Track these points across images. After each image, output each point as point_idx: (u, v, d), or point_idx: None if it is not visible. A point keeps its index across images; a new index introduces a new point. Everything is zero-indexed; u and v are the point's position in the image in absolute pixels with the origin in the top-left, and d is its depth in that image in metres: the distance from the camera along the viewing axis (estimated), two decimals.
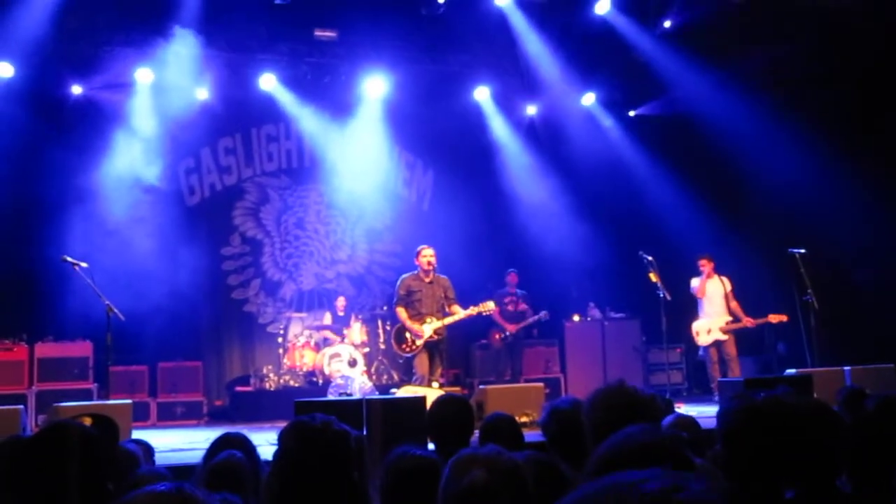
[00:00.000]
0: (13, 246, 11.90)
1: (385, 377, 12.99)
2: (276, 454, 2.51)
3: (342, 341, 12.71)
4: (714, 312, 11.30)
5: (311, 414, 2.56)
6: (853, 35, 11.29)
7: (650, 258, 10.84)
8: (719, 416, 2.57)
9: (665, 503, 0.84)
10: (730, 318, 11.24)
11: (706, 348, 11.33)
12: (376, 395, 9.79)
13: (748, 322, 11.14)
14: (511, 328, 12.88)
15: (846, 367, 9.23)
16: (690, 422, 4.36)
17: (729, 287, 11.37)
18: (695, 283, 11.49)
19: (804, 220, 11.62)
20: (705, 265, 11.39)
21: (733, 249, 11.81)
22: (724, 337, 11.23)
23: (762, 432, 2.33)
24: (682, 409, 8.67)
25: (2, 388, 11.17)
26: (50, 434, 2.72)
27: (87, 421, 3.37)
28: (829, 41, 11.61)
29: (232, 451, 3.74)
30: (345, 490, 2.43)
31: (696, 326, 11.43)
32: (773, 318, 10.91)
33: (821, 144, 11.46)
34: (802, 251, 10.49)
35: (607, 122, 14.78)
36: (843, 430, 2.26)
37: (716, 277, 11.37)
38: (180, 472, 5.05)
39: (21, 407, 7.69)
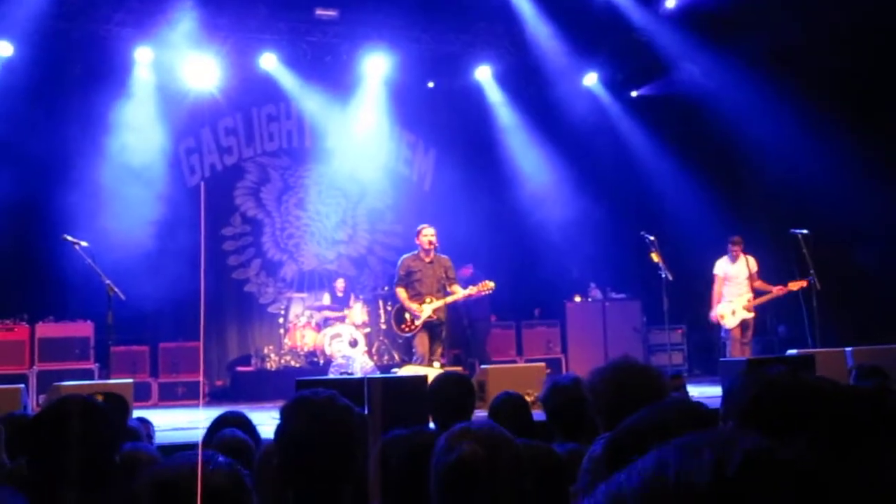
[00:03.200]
0: (14, 225, 11.87)
1: (386, 357, 13.00)
2: (278, 428, 2.50)
3: (343, 321, 12.71)
4: (736, 294, 11.17)
5: (314, 389, 2.55)
6: (855, 15, 11.21)
7: (652, 238, 10.79)
8: (729, 393, 2.54)
9: (766, 459, 0.80)
10: (752, 296, 11.13)
11: (729, 329, 11.18)
12: (377, 375, 9.79)
13: (777, 291, 10.93)
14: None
15: (848, 348, 9.22)
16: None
17: (755, 267, 11.21)
18: (723, 265, 11.28)
19: (807, 200, 11.58)
20: (737, 247, 11.19)
21: (736, 230, 11.75)
22: (749, 315, 11.11)
23: (775, 408, 2.30)
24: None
25: (3, 367, 11.16)
26: (55, 407, 2.72)
27: (99, 398, 3.37)
28: (830, 20, 11.53)
29: (233, 429, 3.74)
30: (347, 465, 2.41)
31: (720, 310, 11.19)
32: (794, 286, 10.76)
33: (824, 125, 11.40)
34: (805, 232, 10.44)
35: (609, 102, 14.72)
36: (860, 407, 2.24)
37: (742, 258, 11.23)
38: (181, 450, 5.03)
39: (22, 386, 7.69)
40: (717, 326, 11.40)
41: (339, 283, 13.40)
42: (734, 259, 11.19)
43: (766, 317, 12.93)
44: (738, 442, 0.81)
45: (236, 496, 1.86)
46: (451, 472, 2.00)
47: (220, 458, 1.90)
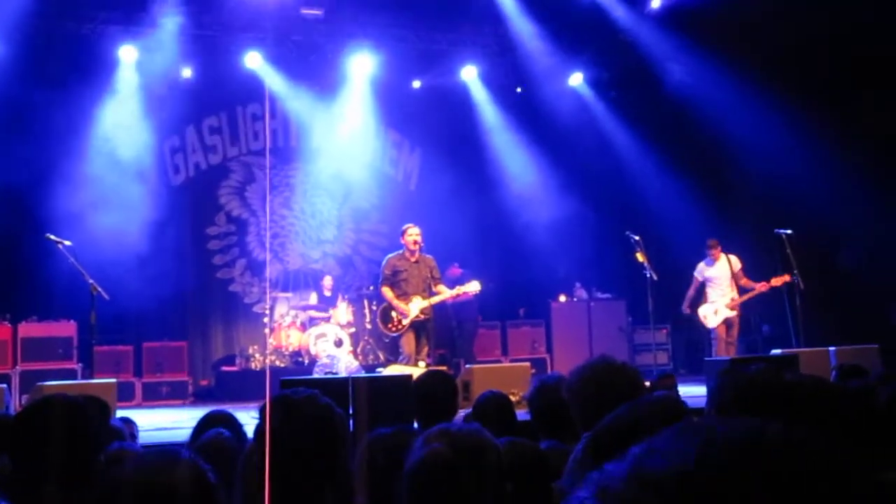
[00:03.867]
0: None
1: (371, 357, 12.99)
2: (256, 428, 2.49)
3: (328, 321, 12.69)
4: (719, 294, 11.21)
5: (294, 388, 2.54)
6: (839, 16, 11.27)
7: (637, 238, 10.82)
8: (711, 391, 2.55)
9: (754, 442, 0.78)
10: (735, 295, 11.17)
11: (715, 329, 11.23)
12: (363, 374, 9.77)
13: (760, 287, 10.97)
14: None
15: (831, 348, 9.27)
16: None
17: (738, 266, 11.25)
18: (701, 268, 11.34)
19: (791, 201, 11.63)
20: (714, 249, 11.23)
21: (720, 230, 11.80)
22: (732, 313, 11.15)
23: (756, 404, 2.31)
24: None
25: None
26: (36, 407, 2.71)
27: None
28: (814, 22, 11.59)
29: (219, 429, 3.73)
30: (329, 463, 2.40)
31: (702, 311, 11.25)
32: (776, 281, 10.80)
33: (808, 126, 11.46)
34: (789, 232, 10.49)
35: (594, 102, 14.74)
36: (843, 403, 2.24)
37: (723, 258, 11.27)
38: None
39: (4, 386, 7.64)
40: (702, 326, 11.46)
41: (327, 282, 13.37)
42: (713, 261, 11.26)
43: (750, 316, 12.99)
44: (718, 428, 0.80)
45: (199, 493, 1.86)
46: (417, 472, 2.01)
47: (185, 455, 1.90)
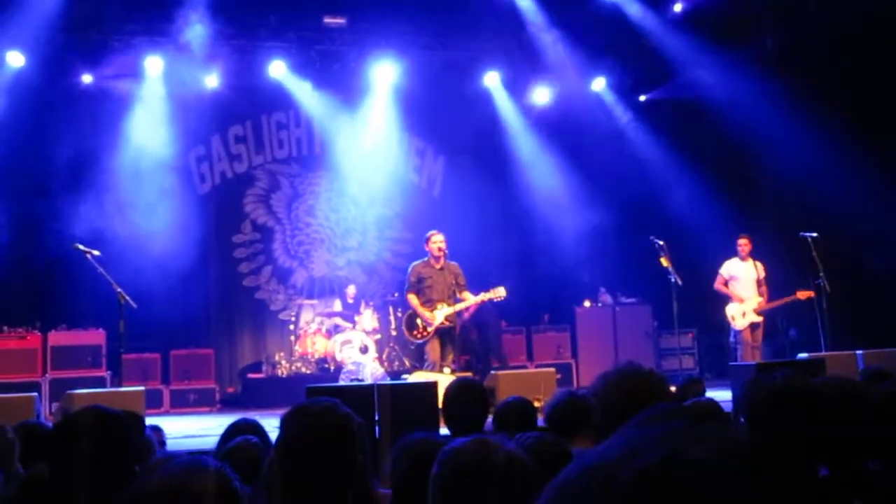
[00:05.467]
0: (25, 235, 11.95)
1: (396, 363, 13.02)
2: (277, 439, 2.52)
3: (353, 328, 12.73)
4: (746, 295, 11.13)
5: (314, 398, 2.57)
6: (867, 17, 11.21)
7: (661, 242, 10.79)
8: (739, 398, 2.56)
9: (657, 484, 0.79)
10: (762, 299, 11.11)
11: (739, 332, 11.15)
12: (388, 381, 9.81)
13: (785, 300, 10.90)
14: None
15: (859, 351, 9.20)
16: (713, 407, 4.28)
17: (763, 273, 11.18)
18: (728, 266, 11.25)
19: (816, 203, 11.56)
20: (745, 245, 11.18)
21: (744, 233, 11.74)
22: (758, 318, 11.09)
23: (787, 410, 2.32)
24: None
25: (16, 375, 11.25)
26: (75, 418, 2.76)
27: None
28: (839, 23, 11.53)
29: (247, 436, 3.77)
30: (348, 472, 2.43)
31: (730, 310, 11.18)
32: (802, 295, 10.73)
33: (832, 127, 11.39)
34: (815, 235, 10.43)
35: (618, 107, 14.72)
36: (870, 409, 2.25)
37: (750, 260, 11.22)
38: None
39: (35, 394, 7.72)
40: (728, 330, 11.39)
41: (351, 290, 13.43)
42: (743, 258, 11.18)
43: (777, 320, 12.91)
44: (666, 439, 0.80)
45: (225, 501, 1.89)
46: (445, 481, 2.04)
47: (211, 463, 1.93)
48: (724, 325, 11.45)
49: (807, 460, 2.25)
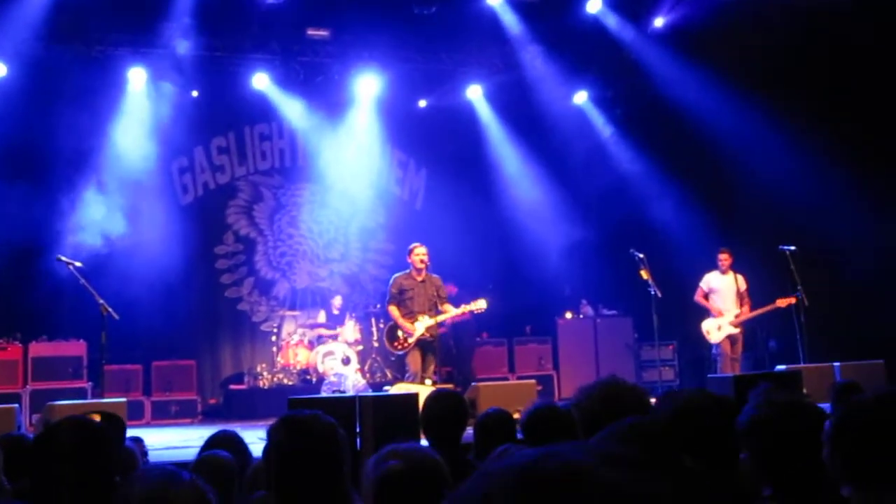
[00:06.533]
0: (5, 246, 11.90)
1: (378, 375, 13.04)
2: (265, 448, 2.57)
3: (336, 339, 12.75)
4: (726, 308, 11.19)
5: (298, 409, 2.62)
6: (843, 31, 11.35)
7: (641, 255, 10.87)
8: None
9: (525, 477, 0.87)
10: (738, 311, 11.15)
11: (719, 345, 11.21)
12: (370, 393, 9.83)
13: (766, 308, 10.94)
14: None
15: (836, 363, 9.31)
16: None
17: (744, 286, 11.21)
18: (708, 279, 11.31)
19: (794, 217, 11.67)
20: (725, 259, 11.24)
21: (724, 247, 11.84)
22: (735, 330, 11.14)
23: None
24: None
25: None
26: (55, 429, 2.79)
27: (97, 417, 3.44)
28: (818, 37, 11.67)
29: (219, 449, 3.81)
30: (335, 480, 2.48)
31: (706, 325, 11.21)
32: (782, 302, 10.79)
33: (811, 141, 11.50)
34: (793, 248, 10.53)
35: (599, 120, 14.82)
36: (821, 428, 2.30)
37: (730, 273, 11.28)
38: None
39: (16, 406, 7.72)
40: (704, 341, 11.47)
41: (336, 301, 13.46)
42: (723, 271, 11.25)
43: (757, 331, 13.00)
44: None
45: None
46: (377, 487, 2.14)
47: (186, 476, 1.98)
48: (704, 338, 11.53)
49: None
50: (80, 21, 11.89)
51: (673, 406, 2.63)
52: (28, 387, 11.50)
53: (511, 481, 0.84)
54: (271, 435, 2.57)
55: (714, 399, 2.73)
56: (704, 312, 11.36)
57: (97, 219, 12.18)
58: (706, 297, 11.31)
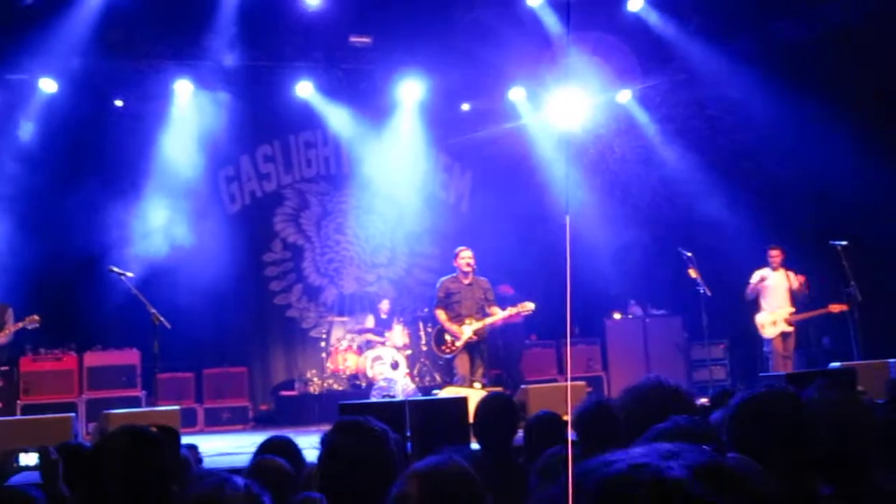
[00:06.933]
0: (60, 257, 12.12)
1: (427, 379, 13.06)
2: (321, 454, 2.59)
3: (384, 344, 12.80)
4: (777, 304, 11.04)
5: (351, 416, 2.64)
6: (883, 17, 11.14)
7: (689, 254, 10.79)
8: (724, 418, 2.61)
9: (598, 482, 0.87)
10: (793, 310, 11.01)
11: (771, 341, 11.07)
12: (419, 397, 9.85)
13: (818, 312, 10.81)
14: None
15: (892, 360, 9.13)
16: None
17: (795, 284, 11.06)
18: (759, 275, 11.18)
19: (846, 212, 11.49)
20: (776, 256, 11.11)
21: (774, 243, 11.68)
22: (789, 329, 11.00)
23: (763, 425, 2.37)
24: None
25: (53, 396, 11.43)
26: (112, 439, 2.84)
27: (153, 429, 3.50)
28: (865, 35, 11.47)
29: (272, 455, 3.83)
30: (386, 486, 2.50)
31: (760, 319, 11.09)
32: (834, 308, 10.63)
33: (861, 134, 11.32)
34: (844, 243, 10.37)
35: (643, 119, 14.69)
36: (875, 424, 2.27)
37: (782, 271, 11.14)
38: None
39: (72, 415, 7.86)
40: (761, 341, 11.32)
41: (384, 305, 13.51)
42: (774, 268, 11.11)
43: (809, 329, 12.81)
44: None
45: None
46: None
47: (239, 482, 2.00)
48: (756, 335, 11.39)
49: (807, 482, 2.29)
50: (126, 36, 12.07)
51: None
52: (84, 396, 11.71)
53: (608, 495, 0.84)
54: (325, 440, 2.59)
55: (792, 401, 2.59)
56: (757, 308, 11.22)
57: (148, 230, 12.37)
58: (757, 292, 11.17)
